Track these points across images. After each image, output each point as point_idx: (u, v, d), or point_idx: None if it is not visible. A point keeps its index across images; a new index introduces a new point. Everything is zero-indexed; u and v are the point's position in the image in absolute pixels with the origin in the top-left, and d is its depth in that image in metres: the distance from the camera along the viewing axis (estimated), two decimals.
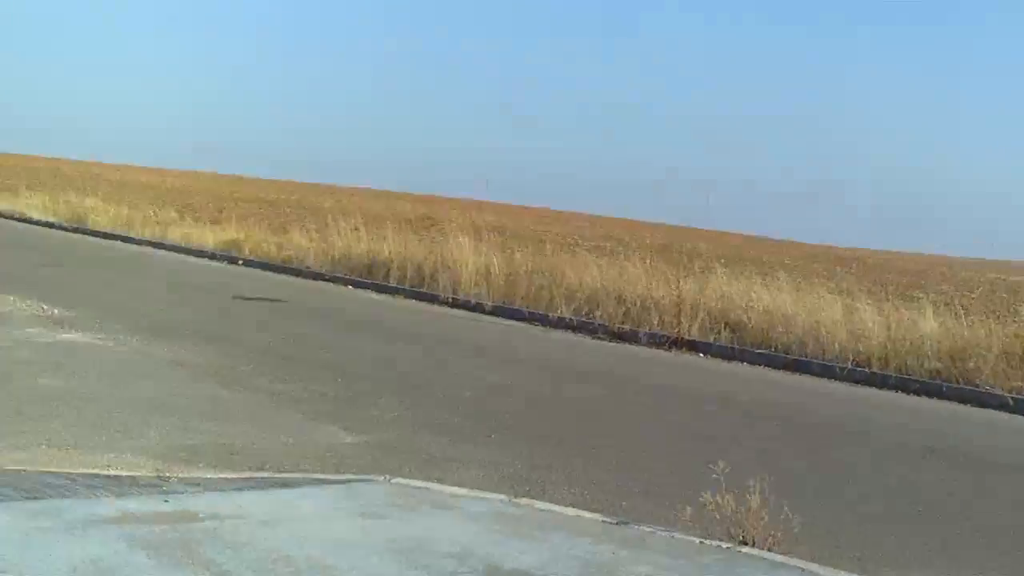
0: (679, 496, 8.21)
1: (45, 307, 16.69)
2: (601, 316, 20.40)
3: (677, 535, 7.46)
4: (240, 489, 7.80)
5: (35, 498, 7.07)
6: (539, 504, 8.12)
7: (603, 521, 7.71)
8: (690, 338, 19.18)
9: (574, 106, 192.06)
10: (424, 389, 13.16)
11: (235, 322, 17.89)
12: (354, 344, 16.83)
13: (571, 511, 7.99)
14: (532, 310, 21.49)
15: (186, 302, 20.27)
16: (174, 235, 32.61)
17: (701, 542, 7.34)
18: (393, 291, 24.36)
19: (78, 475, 7.76)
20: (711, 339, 19.14)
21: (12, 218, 38.83)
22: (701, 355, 18.75)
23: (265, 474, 8.52)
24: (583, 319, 20.53)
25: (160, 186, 61.22)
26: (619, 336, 19.70)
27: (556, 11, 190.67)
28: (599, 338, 19.77)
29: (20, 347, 13.36)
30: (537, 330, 20.38)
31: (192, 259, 29.28)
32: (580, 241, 37.58)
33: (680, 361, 18.22)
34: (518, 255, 24.91)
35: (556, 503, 8.26)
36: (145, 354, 13.71)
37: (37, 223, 37.45)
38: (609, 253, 27.10)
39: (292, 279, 26.09)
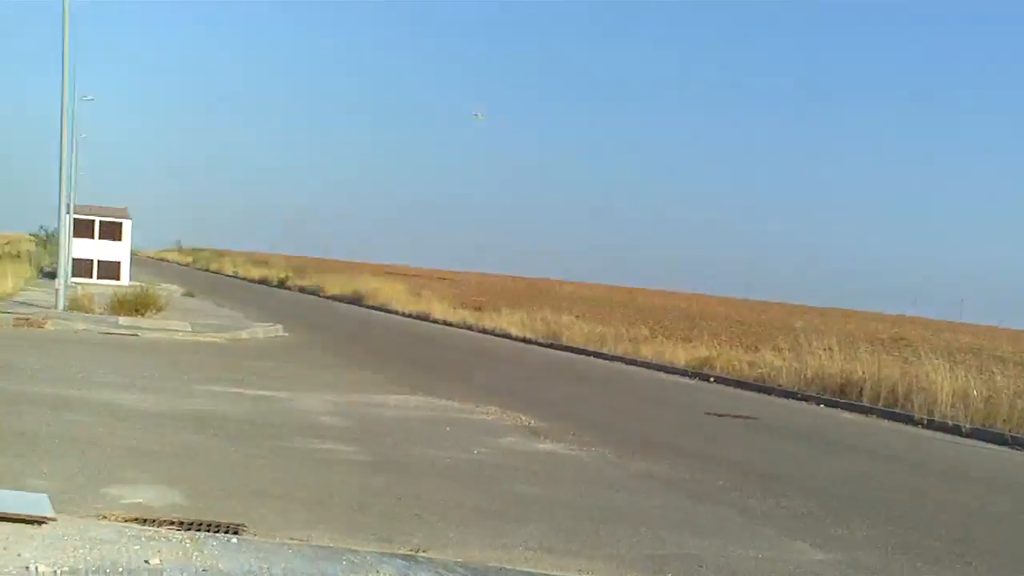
0: None
1: (524, 418, 17.54)
2: None
3: None
4: None
5: None
6: None
7: None
8: None
9: None
10: (898, 510, 12.68)
11: (706, 438, 18.00)
12: (826, 462, 16.49)
13: None
14: (1015, 434, 20.25)
15: (658, 416, 20.61)
16: (646, 352, 33.29)
17: None
18: (865, 411, 23.69)
19: None
20: None
21: (494, 334, 41.07)
22: None
23: None
24: None
25: (631, 304, 62.83)
26: None
27: None
28: None
29: (502, 455, 14.11)
30: (1020, 455, 19.16)
31: (663, 375, 29.77)
32: None
33: None
34: (999, 377, 23.63)
35: None
36: (616, 465, 14.06)
37: (515, 339, 39.39)
38: None
39: (763, 397, 25.96)
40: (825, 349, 28.07)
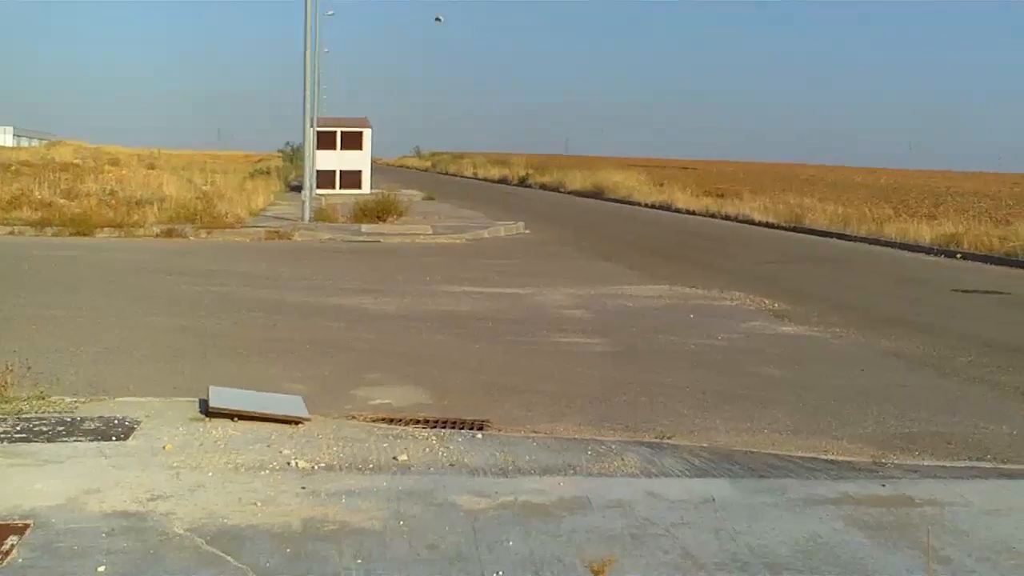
0: None
1: (767, 302, 17.36)
2: None
3: None
4: (959, 477, 7.61)
5: (760, 476, 7.39)
6: None
7: None
8: None
9: None
10: None
11: (953, 314, 17.42)
12: None
13: None
14: None
15: (902, 295, 19.98)
16: (889, 231, 32.36)
17: None
18: None
19: (797, 458, 7.98)
20: None
21: (737, 220, 40.52)
22: None
23: (986, 464, 8.24)
24: None
25: (874, 184, 61.05)
26: None
27: None
28: None
29: (746, 339, 14.03)
30: None
31: (907, 254, 28.88)
32: None
33: None
34: None
35: None
36: (861, 345, 13.79)
37: (758, 224, 38.79)
38: None
39: (1015, 271, 24.86)
40: None
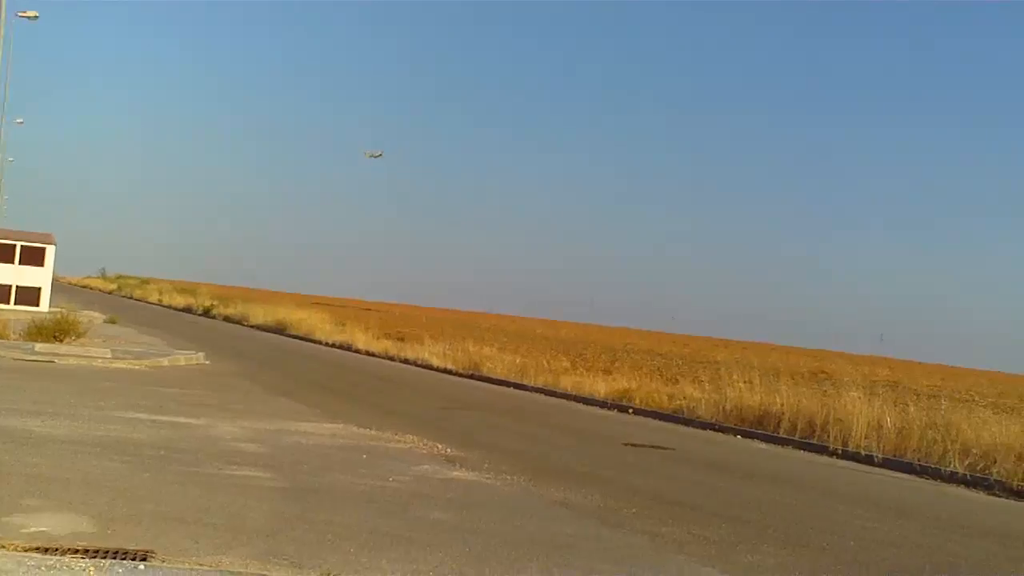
0: None
1: (440, 446, 17.62)
2: (998, 473, 19.30)
3: None
4: None
5: None
6: None
7: None
8: None
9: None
10: (806, 537, 12.84)
11: (622, 467, 18.08)
12: (738, 491, 16.60)
13: None
14: (923, 463, 20.65)
15: (575, 446, 20.69)
16: (566, 383, 33.42)
17: None
18: (782, 442, 24.04)
19: None
20: None
21: (416, 364, 41.11)
22: None
23: None
24: (978, 475, 19.50)
25: (554, 337, 63.05)
26: (1018, 494, 18.57)
27: None
28: (994, 494, 18.70)
29: (417, 482, 14.14)
30: (926, 484, 19.53)
31: (582, 406, 29.93)
32: (977, 397, 36.06)
33: None
34: (912, 409, 24.09)
35: None
36: (531, 493, 14.12)
37: (437, 369, 39.47)
38: (1009, 409, 25.70)
39: (681, 428, 26.21)
40: (745, 382, 28.33)
